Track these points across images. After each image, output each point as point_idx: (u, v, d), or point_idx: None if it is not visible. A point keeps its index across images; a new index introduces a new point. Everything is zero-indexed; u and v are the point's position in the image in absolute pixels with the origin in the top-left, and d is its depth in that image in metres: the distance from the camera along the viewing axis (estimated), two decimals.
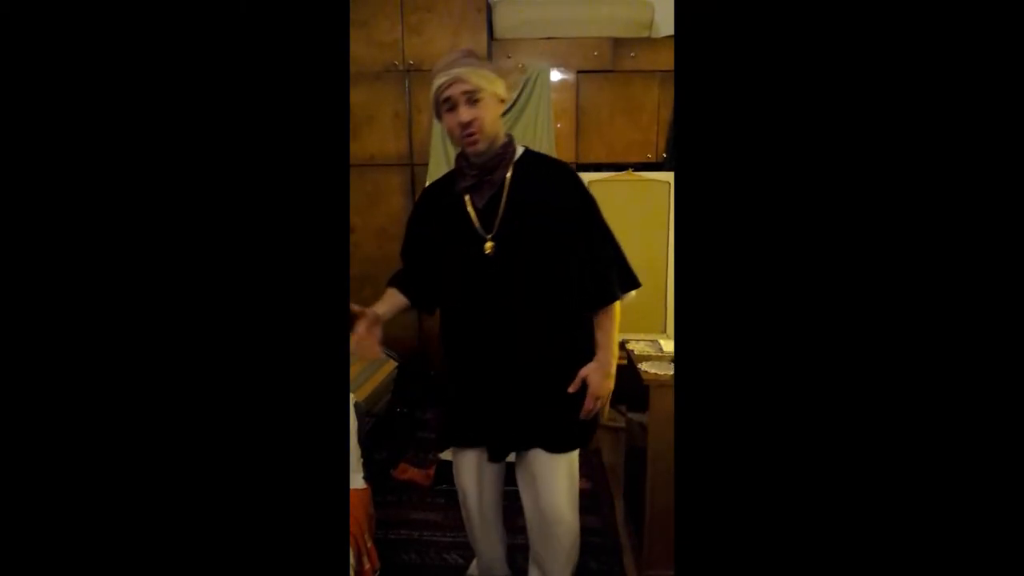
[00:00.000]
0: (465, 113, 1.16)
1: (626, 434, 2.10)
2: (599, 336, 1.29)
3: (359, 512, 1.56)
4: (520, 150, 1.28)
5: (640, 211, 2.68)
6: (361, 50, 2.82)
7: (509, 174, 1.24)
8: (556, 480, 1.32)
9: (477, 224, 1.24)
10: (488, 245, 1.23)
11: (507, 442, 1.33)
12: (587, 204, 1.26)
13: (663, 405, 1.54)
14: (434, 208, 1.33)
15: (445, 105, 1.19)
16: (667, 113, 2.77)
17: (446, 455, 2.45)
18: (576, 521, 1.38)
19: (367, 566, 1.55)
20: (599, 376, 1.27)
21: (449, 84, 1.15)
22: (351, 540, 1.48)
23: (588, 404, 1.28)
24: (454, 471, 1.46)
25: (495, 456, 1.34)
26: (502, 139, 1.24)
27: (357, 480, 1.68)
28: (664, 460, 1.53)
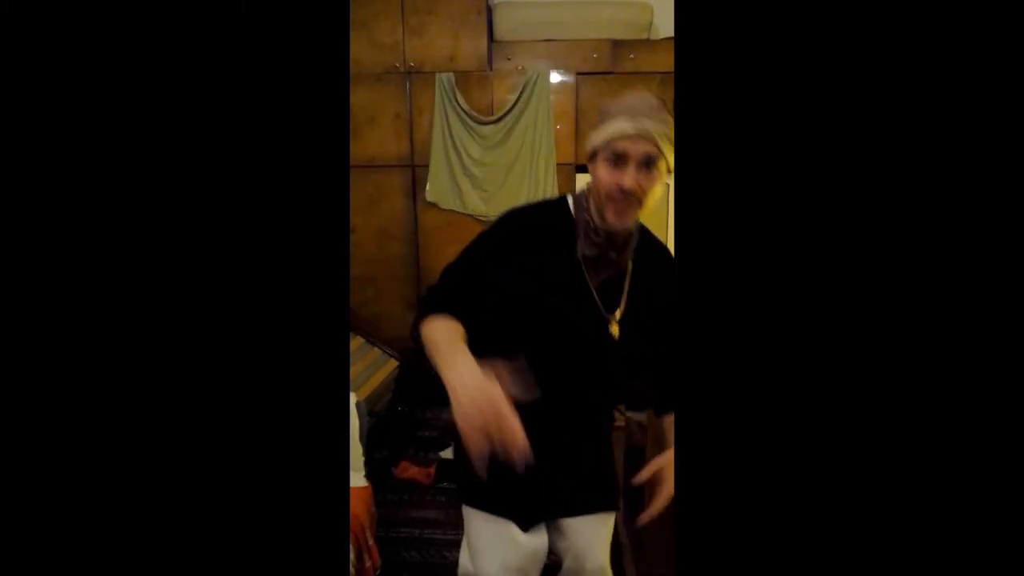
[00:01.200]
0: (633, 179, 0.93)
1: (625, 433, 2.11)
2: (668, 431, 1.12)
3: (360, 510, 1.57)
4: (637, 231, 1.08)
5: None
6: (362, 51, 2.84)
7: (631, 260, 1.05)
8: (600, 553, 1.18)
9: (599, 301, 1.04)
10: (615, 328, 1.04)
11: (551, 506, 1.13)
12: (670, 303, 1.10)
13: None
14: (536, 252, 1.04)
15: (612, 157, 0.94)
16: None
17: (446, 453, 2.47)
18: None
19: (368, 564, 1.56)
20: (671, 471, 1.00)
21: (633, 138, 0.92)
22: (352, 538, 1.49)
23: (659, 503, 0.97)
24: (469, 538, 1.17)
25: (527, 520, 1.11)
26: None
27: (358, 478, 1.69)
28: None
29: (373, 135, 2.93)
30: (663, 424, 1.14)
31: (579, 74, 2.83)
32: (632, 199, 0.94)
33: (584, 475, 1.13)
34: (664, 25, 2.90)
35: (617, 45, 2.78)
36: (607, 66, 2.80)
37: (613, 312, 1.04)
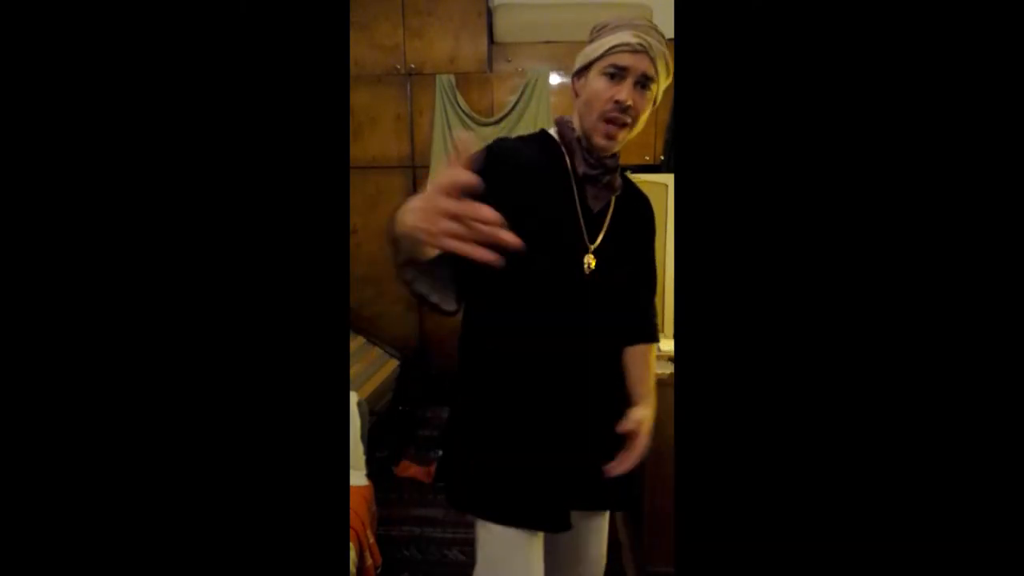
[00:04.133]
0: (628, 94, 0.88)
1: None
2: (646, 374, 1.07)
3: (361, 509, 1.58)
4: None
5: None
6: (362, 53, 2.84)
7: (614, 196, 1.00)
8: (603, 541, 1.10)
9: (584, 229, 0.95)
10: (590, 259, 0.95)
11: (574, 505, 1.01)
12: (652, 239, 1.10)
13: (662, 403, 1.56)
14: (524, 178, 0.93)
15: (609, 69, 0.89)
16: (665, 115, 2.78)
17: None
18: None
19: (369, 562, 1.56)
20: (650, 423, 0.99)
21: (633, 51, 0.88)
22: (353, 536, 1.49)
23: (635, 454, 0.96)
24: (493, 561, 0.98)
25: (562, 526, 0.98)
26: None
27: (359, 477, 1.70)
28: (663, 457, 1.54)
29: (374, 136, 2.94)
30: (641, 358, 1.07)
31: None
32: (628, 115, 0.89)
33: (603, 461, 0.98)
34: (664, 26, 2.89)
35: None
36: None
37: (594, 243, 0.96)
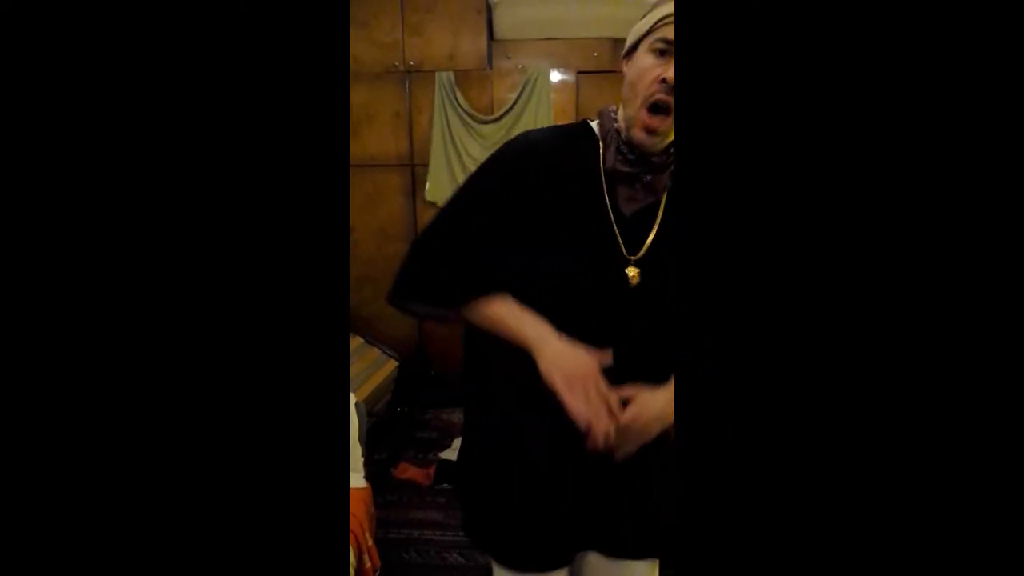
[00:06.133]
0: (674, 72, 0.73)
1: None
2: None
3: (360, 511, 1.57)
4: None
5: None
6: (361, 50, 2.84)
7: (667, 189, 0.83)
8: None
9: (620, 238, 0.81)
10: (633, 272, 0.81)
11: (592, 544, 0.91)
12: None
13: None
14: (546, 181, 0.82)
15: (660, 45, 0.74)
16: None
17: (446, 454, 2.46)
18: None
19: (368, 565, 1.55)
20: (658, 403, 0.77)
21: None
22: (352, 539, 1.48)
23: (626, 418, 0.75)
24: None
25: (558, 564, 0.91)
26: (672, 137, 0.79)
27: (358, 479, 1.69)
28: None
29: (373, 134, 2.93)
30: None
31: (579, 73, 2.83)
32: (672, 94, 0.73)
33: (627, 503, 0.87)
34: None
35: (617, 43, 2.78)
36: (607, 64, 2.79)
37: (637, 252, 0.81)
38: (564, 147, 0.84)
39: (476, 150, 2.87)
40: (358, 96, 2.87)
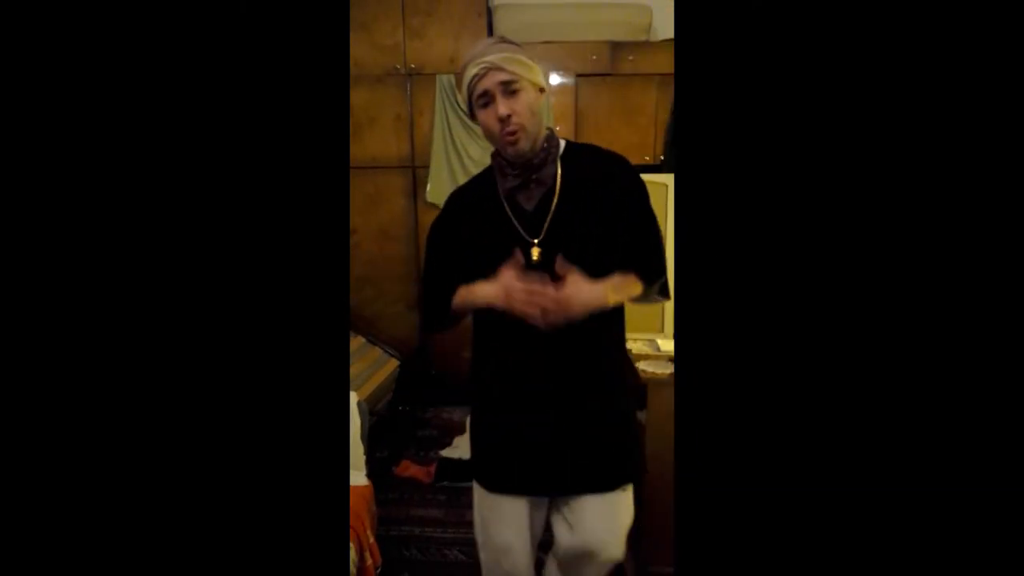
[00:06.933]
0: (503, 106, 1.01)
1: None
2: (616, 279, 1.07)
3: (361, 509, 1.58)
4: (563, 143, 1.14)
5: None
6: (362, 52, 2.84)
7: (559, 171, 1.09)
8: (614, 519, 1.16)
9: (520, 228, 1.09)
10: (535, 251, 1.07)
11: (559, 481, 1.14)
12: (641, 193, 1.13)
13: (661, 403, 1.57)
14: (466, 216, 1.15)
15: (480, 100, 1.03)
16: (665, 116, 2.78)
17: (447, 452, 2.48)
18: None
19: (369, 562, 1.57)
20: (587, 290, 0.99)
21: (483, 75, 1.01)
22: (354, 536, 1.49)
23: (560, 294, 0.98)
24: (485, 526, 1.21)
25: (547, 492, 1.16)
26: (544, 132, 1.08)
27: (359, 477, 1.70)
28: (662, 457, 1.55)
29: (374, 136, 2.94)
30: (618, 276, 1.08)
31: (579, 76, 2.83)
32: (513, 124, 1.01)
33: (594, 443, 1.11)
34: (663, 27, 2.90)
35: (616, 47, 2.79)
36: (606, 68, 2.80)
37: (539, 235, 1.08)
38: (476, 185, 1.17)
39: (476, 152, 2.88)
40: (359, 98, 2.88)
